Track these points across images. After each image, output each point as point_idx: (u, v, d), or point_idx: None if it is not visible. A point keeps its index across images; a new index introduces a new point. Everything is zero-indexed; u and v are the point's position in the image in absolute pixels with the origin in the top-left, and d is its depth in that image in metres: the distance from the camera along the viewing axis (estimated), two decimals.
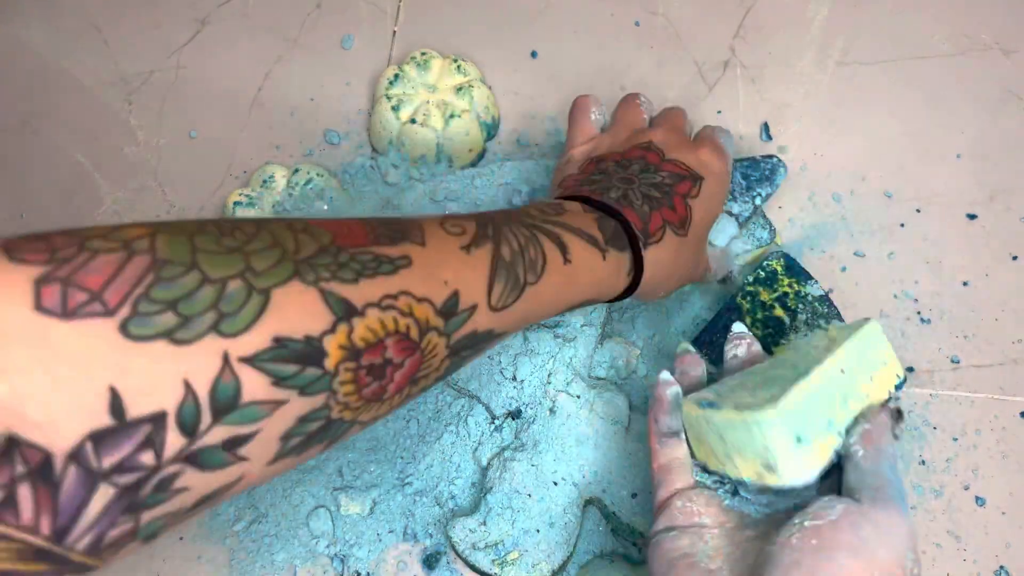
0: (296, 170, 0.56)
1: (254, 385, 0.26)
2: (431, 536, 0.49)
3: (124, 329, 0.24)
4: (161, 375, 0.24)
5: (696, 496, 0.39)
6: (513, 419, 0.50)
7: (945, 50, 0.60)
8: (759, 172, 0.53)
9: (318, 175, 0.56)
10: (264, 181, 0.56)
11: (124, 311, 0.24)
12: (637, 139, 0.47)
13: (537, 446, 0.49)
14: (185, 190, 0.59)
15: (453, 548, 0.48)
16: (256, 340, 0.26)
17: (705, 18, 0.62)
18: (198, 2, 0.64)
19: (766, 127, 0.58)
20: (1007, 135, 0.57)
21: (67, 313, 0.23)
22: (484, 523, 0.47)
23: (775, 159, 0.54)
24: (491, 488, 0.48)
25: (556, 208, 0.40)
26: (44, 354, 0.23)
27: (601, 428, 0.49)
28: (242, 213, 0.55)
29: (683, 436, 0.41)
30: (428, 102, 0.56)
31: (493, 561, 0.47)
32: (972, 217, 0.56)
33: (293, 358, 0.27)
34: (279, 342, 0.26)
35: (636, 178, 0.44)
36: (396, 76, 0.57)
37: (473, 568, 0.47)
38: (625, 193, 0.43)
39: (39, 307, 0.23)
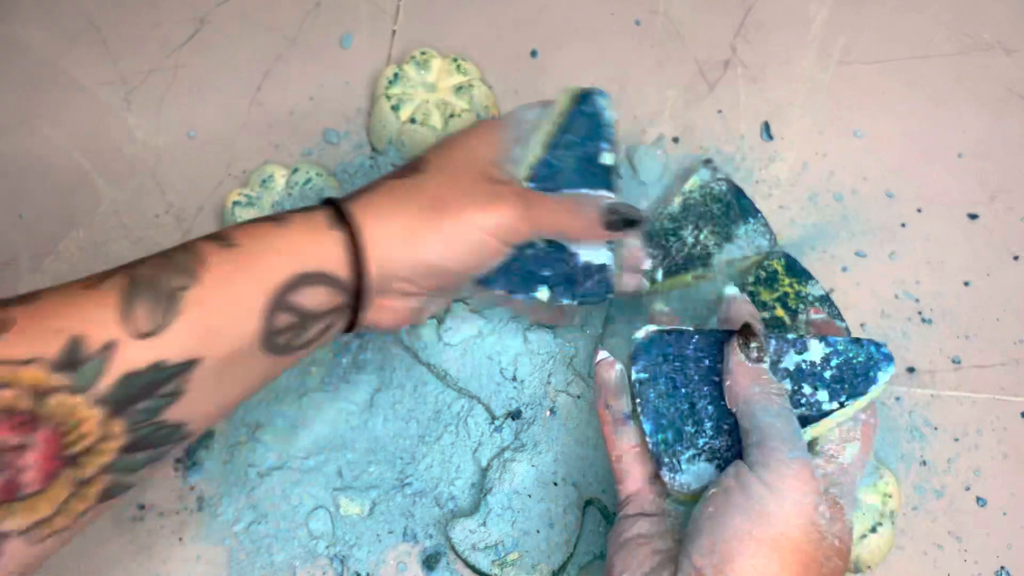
0: (295, 170, 0.56)
1: None
2: (431, 537, 0.49)
3: None
4: None
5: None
6: (513, 419, 0.50)
7: (946, 49, 0.60)
8: (852, 365, 0.39)
9: (317, 175, 0.56)
10: (263, 181, 0.56)
11: None
12: None
13: (537, 447, 0.49)
14: (184, 190, 0.58)
15: (453, 549, 0.48)
16: None
17: (706, 17, 0.61)
18: (197, 1, 0.63)
19: (767, 126, 0.58)
20: (1008, 134, 0.57)
21: None
22: (484, 524, 0.47)
23: (876, 348, 0.39)
24: (491, 489, 0.48)
25: None
26: None
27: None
28: (241, 213, 0.55)
29: (632, 420, 0.41)
30: (428, 101, 0.56)
31: (493, 562, 0.47)
32: (973, 217, 0.55)
33: None
34: None
35: None
36: (396, 75, 0.57)
37: (473, 569, 0.47)
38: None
39: None
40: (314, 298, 0.35)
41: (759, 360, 0.37)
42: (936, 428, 0.51)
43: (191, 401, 0.31)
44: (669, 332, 0.40)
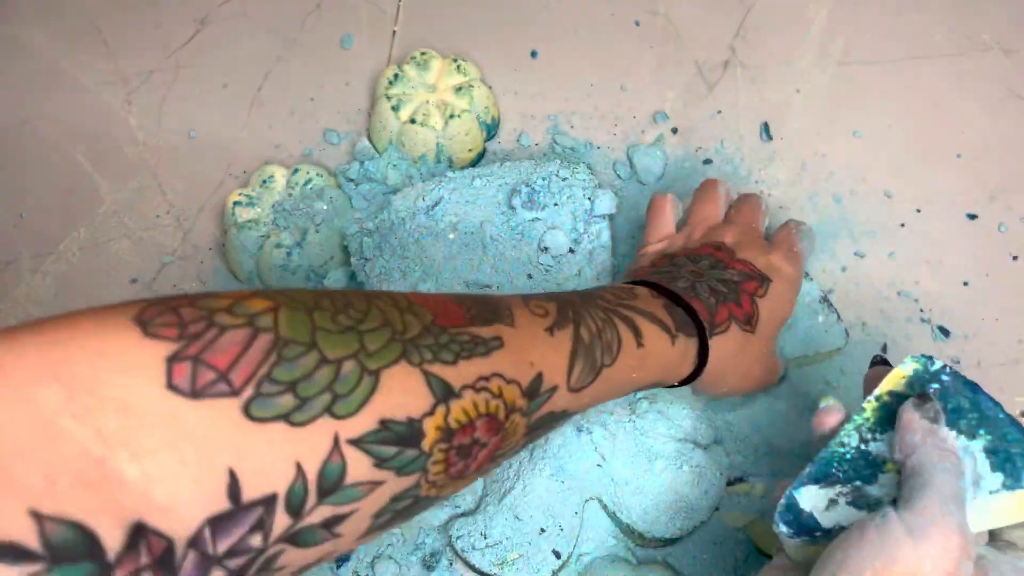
0: (296, 170, 0.56)
1: (358, 467, 0.26)
2: (431, 536, 0.49)
3: (246, 410, 0.24)
4: (276, 457, 0.25)
5: None
6: None
7: (946, 50, 0.60)
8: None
9: (318, 175, 0.56)
10: (264, 181, 0.56)
11: (248, 392, 0.24)
12: (710, 237, 0.48)
13: (538, 446, 0.49)
14: (185, 190, 0.58)
15: (453, 548, 0.48)
16: (364, 422, 0.26)
17: (706, 18, 0.61)
18: (198, 2, 0.64)
19: (766, 127, 0.58)
20: (1007, 135, 0.57)
21: (195, 393, 0.24)
22: (484, 523, 0.47)
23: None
24: (492, 488, 0.48)
25: (627, 292, 0.41)
26: (173, 435, 0.23)
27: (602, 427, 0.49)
28: (242, 213, 0.55)
29: None
30: (428, 102, 0.56)
31: (493, 562, 0.47)
32: (972, 217, 0.56)
33: (395, 440, 0.27)
34: (384, 424, 0.27)
35: (705, 273, 0.45)
36: (396, 76, 0.57)
37: (473, 569, 0.47)
38: (693, 284, 0.43)
39: (170, 385, 0.23)
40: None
41: (934, 421, 0.35)
42: None
43: (545, 434, 0.37)
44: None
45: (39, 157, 0.60)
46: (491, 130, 0.59)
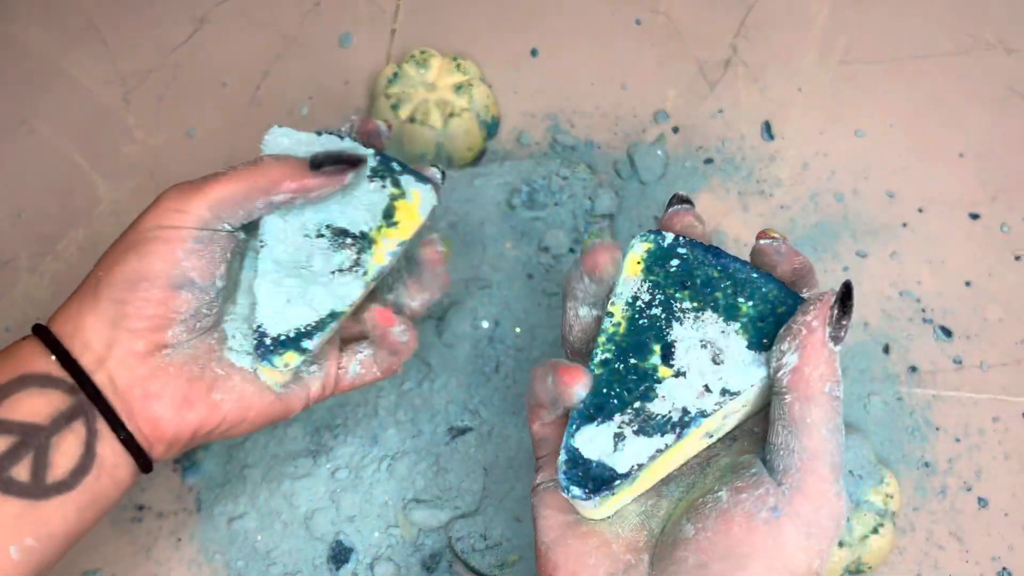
0: None
1: None
2: (431, 538, 0.49)
3: None
4: None
5: None
6: None
7: (948, 49, 0.60)
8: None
9: None
10: None
11: None
12: None
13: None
14: None
15: (453, 550, 0.48)
16: None
17: (707, 16, 0.61)
18: (196, 0, 0.63)
19: (767, 126, 0.58)
20: (1009, 134, 0.57)
21: None
22: (485, 525, 0.47)
23: None
24: (492, 489, 0.48)
25: None
26: None
27: None
28: None
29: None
30: (427, 101, 0.56)
31: (493, 563, 0.47)
32: (975, 217, 0.55)
33: None
34: None
35: None
36: (395, 75, 0.57)
37: (473, 570, 0.47)
38: None
39: None
40: (24, 406, 0.32)
41: (839, 342, 0.29)
42: (938, 429, 0.51)
43: None
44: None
45: (37, 156, 0.59)
46: (491, 129, 0.58)
